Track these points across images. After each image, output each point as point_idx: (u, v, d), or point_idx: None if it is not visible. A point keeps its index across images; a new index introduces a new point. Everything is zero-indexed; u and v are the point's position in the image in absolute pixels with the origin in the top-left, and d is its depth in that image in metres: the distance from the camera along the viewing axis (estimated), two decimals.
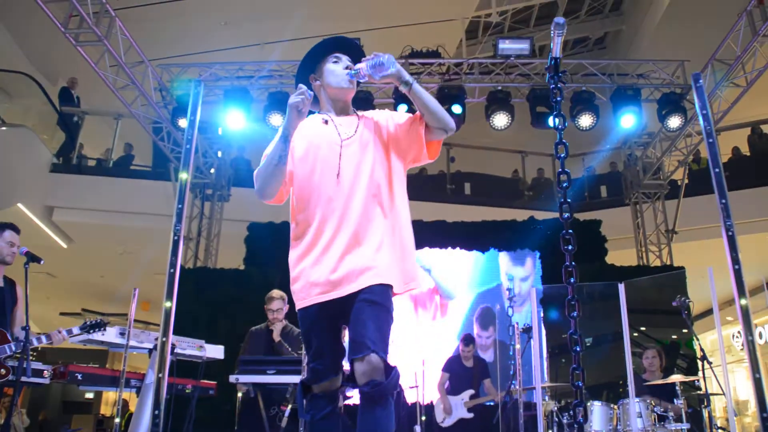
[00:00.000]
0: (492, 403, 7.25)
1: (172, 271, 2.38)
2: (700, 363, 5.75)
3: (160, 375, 2.27)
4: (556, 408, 5.94)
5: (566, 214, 2.72)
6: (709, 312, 13.69)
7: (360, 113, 2.77)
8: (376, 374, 2.26)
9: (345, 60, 2.77)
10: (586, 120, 8.83)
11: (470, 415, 7.06)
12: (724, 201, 2.08)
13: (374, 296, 2.39)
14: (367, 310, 2.37)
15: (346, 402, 6.58)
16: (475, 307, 9.41)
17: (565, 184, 2.77)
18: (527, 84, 9.22)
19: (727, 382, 4.97)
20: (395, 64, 2.52)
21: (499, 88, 9.24)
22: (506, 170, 13.32)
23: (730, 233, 2.04)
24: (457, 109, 9.02)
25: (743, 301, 1.96)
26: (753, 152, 12.32)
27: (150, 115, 9.28)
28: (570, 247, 2.65)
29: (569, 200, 2.79)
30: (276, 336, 5.70)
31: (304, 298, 2.47)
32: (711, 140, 2.15)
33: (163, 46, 11.54)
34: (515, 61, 9.14)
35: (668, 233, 10.23)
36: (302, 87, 2.55)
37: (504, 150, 13.29)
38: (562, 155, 2.84)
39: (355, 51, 2.84)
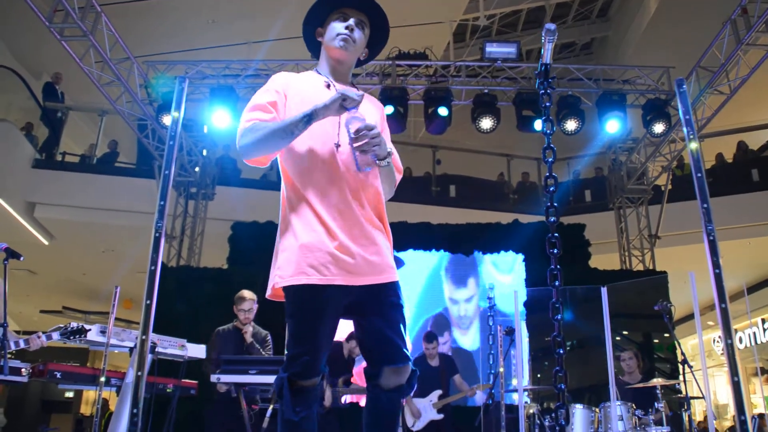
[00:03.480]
0: (462, 402, 7.18)
1: (153, 268, 2.35)
2: (681, 367, 5.79)
3: (140, 373, 2.24)
4: (537, 410, 5.96)
5: (552, 218, 2.74)
6: (690, 316, 13.81)
7: (359, 89, 2.51)
8: (404, 381, 2.31)
9: (352, 21, 2.48)
10: (571, 124, 8.88)
11: (440, 417, 6.91)
12: (705, 206, 2.09)
13: (399, 297, 2.36)
14: (399, 314, 2.32)
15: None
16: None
17: (552, 189, 2.79)
18: (514, 87, 9.26)
19: (707, 385, 5.01)
20: (380, 142, 2.33)
21: (486, 91, 9.27)
22: (492, 173, 13.35)
23: (711, 237, 2.06)
24: (443, 111, 9.05)
25: (723, 305, 1.97)
26: (736, 160, 12.44)
27: (135, 112, 9.22)
28: (555, 251, 2.67)
29: (555, 204, 2.80)
30: (248, 337, 5.69)
31: (312, 275, 2.19)
32: (693, 145, 2.17)
33: (149, 43, 11.48)
34: (502, 65, 9.17)
35: (651, 238, 10.31)
36: (356, 94, 2.28)
37: (490, 153, 13.33)
38: (550, 159, 2.85)
39: (374, 12, 2.57)
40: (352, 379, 6.75)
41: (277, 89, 2.44)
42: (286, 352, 2.28)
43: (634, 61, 11.59)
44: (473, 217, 9.84)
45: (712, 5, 10.32)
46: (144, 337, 2.31)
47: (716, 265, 1.96)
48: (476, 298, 9.38)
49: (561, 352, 2.54)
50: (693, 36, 10.54)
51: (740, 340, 14.05)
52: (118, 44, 8.19)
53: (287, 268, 2.23)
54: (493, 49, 9.02)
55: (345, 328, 6.77)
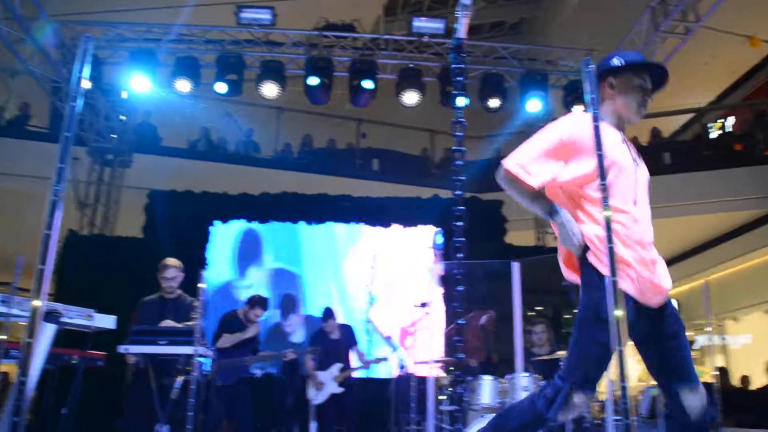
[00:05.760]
0: (369, 373, 7.18)
1: (47, 233, 2.27)
2: None
3: (30, 340, 2.16)
4: (448, 381, 6.08)
5: (458, 192, 2.77)
6: None
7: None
8: None
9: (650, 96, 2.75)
10: (494, 102, 9.06)
11: (341, 390, 6.87)
12: (603, 183, 2.17)
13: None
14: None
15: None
16: None
17: (459, 162, 2.83)
18: (440, 63, 9.32)
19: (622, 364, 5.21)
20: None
21: (412, 65, 9.31)
22: (416, 148, 13.42)
23: (608, 214, 2.13)
24: (368, 84, 9.08)
25: (614, 279, 2.06)
26: (650, 143, 12.82)
27: (49, 74, 8.81)
28: (460, 224, 2.71)
29: (462, 178, 2.84)
30: (170, 307, 5.57)
31: (645, 295, 2.47)
32: (596, 124, 2.23)
33: (65, 1, 10.95)
34: (430, 41, 9.20)
35: None
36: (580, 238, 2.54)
37: (414, 128, 13.37)
38: (460, 134, 2.89)
39: (657, 75, 2.80)
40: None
41: (570, 147, 2.61)
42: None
43: (560, 42, 11.77)
44: (395, 191, 9.89)
45: None
46: (36, 302, 2.23)
47: (609, 239, 2.04)
48: None
49: (461, 322, 2.61)
50: (616, 21, 10.78)
51: None
52: (28, 0, 7.79)
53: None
54: (420, 24, 9.04)
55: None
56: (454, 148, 2.48)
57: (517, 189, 2.60)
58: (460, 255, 2.39)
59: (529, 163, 2.58)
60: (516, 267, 5.27)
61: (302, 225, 9.30)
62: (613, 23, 11.37)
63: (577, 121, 2.63)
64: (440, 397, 5.96)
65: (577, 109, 9.02)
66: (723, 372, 8.81)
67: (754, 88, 13.81)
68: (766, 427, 7.15)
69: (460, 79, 2.61)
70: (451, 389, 5.79)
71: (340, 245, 9.40)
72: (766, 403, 7.56)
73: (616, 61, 2.72)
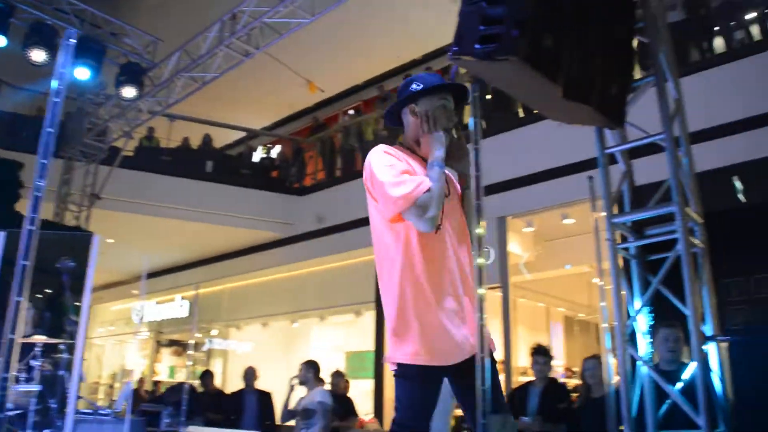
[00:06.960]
0: None
1: None
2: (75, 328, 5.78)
3: None
4: None
5: None
6: (121, 282, 13.95)
7: None
8: None
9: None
10: (38, 55, 8.19)
11: None
12: (44, 161, 2.00)
13: None
14: None
15: None
16: None
17: None
18: None
19: (80, 351, 5.07)
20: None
21: None
22: None
23: (38, 194, 1.96)
24: None
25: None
26: (200, 148, 13.08)
27: None
28: None
29: None
30: None
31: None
32: (57, 100, 2.08)
33: None
34: None
35: (92, 197, 10.01)
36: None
37: None
38: None
39: (461, 96, 2.57)
40: None
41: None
42: None
43: (135, 21, 11.21)
44: None
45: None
46: None
47: (32, 221, 1.87)
48: None
49: None
50: (195, 20, 10.78)
51: (157, 313, 14.68)
52: None
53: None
54: None
55: None
56: None
57: (422, 203, 2.27)
58: None
59: (393, 187, 2.29)
60: (1, 237, 4.69)
61: None
62: (191, 21, 11.37)
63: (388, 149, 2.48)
64: None
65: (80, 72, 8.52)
66: (207, 374, 9.26)
67: (302, 126, 15.25)
68: (229, 427, 7.77)
69: None
70: None
71: None
72: (236, 406, 8.16)
73: (415, 86, 2.50)
